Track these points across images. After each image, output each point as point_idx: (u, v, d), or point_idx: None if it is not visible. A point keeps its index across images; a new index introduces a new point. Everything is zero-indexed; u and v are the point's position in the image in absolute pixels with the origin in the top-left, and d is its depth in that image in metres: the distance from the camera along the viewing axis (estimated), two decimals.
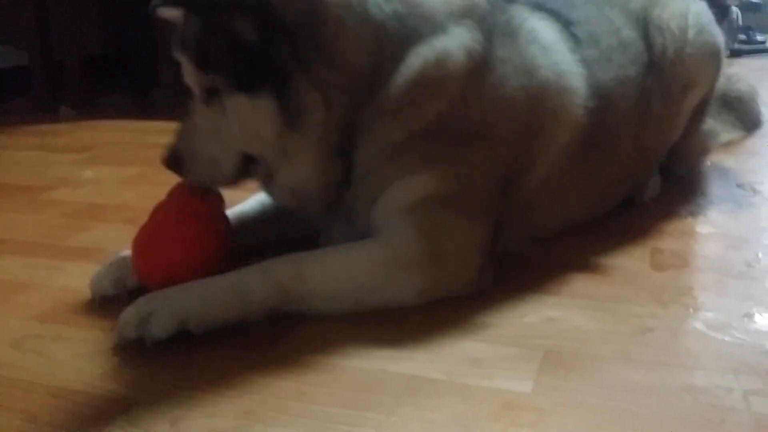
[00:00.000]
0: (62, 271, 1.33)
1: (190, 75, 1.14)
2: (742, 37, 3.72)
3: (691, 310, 1.11)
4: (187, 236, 1.15)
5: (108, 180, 1.98)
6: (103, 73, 3.38)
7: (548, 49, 1.28)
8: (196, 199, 1.18)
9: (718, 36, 1.65)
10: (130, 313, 1.04)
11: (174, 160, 1.18)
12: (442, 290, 1.14)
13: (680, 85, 1.55)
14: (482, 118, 1.17)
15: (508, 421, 0.85)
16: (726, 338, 1.02)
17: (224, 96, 1.11)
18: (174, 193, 1.20)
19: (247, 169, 1.18)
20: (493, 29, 1.21)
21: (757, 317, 1.08)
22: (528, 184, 1.27)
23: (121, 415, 0.88)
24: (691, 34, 1.55)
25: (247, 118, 1.11)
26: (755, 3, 3.73)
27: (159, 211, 1.18)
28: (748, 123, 2.14)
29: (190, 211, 1.17)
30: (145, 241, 1.15)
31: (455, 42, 1.14)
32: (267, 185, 1.23)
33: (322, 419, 0.86)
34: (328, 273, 1.12)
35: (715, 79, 1.68)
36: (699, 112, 1.67)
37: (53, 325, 1.12)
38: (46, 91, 3.16)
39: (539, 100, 1.24)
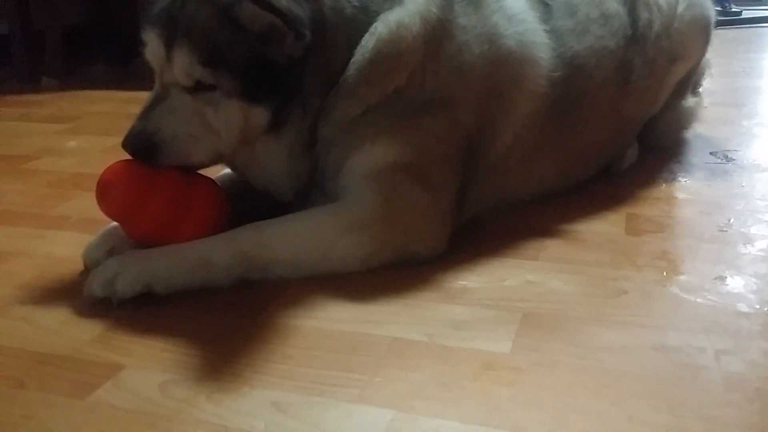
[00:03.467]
0: (47, 240, 1.34)
1: (182, 67, 1.10)
2: (718, 8, 3.72)
3: (665, 273, 1.14)
4: (201, 204, 1.16)
5: (91, 150, 1.98)
6: (85, 43, 3.34)
7: (513, 18, 1.28)
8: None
9: (709, 10, 1.65)
10: (99, 272, 1.07)
11: (143, 146, 1.13)
12: (391, 255, 1.15)
13: (666, 58, 1.55)
14: (441, 87, 1.19)
15: (487, 380, 0.88)
16: (698, 300, 1.05)
17: (219, 96, 1.11)
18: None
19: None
20: None
21: (729, 280, 1.11)
22: (494, 151, 1.29)
23: (109, 379, 0.90)
24: (680, 9, 1.55)
25: (237, 122, 1.12)
26: None
27: (159, 179, 1.14)
28: None
29: (194, 180, 1.18)
30: (160, 215, 1.13)
31: (410, 11, 1.16)
32: (236, 171, 1.27)
33: (308, 381, 0.88)
34: (288, 239, 1.14)
35: (702, 53, 1.69)
36: (683, 86, 1.68)
37: (39, 293, 1.13)
38: (26, 61, 3.11)
39: (499, 68, 1.25)
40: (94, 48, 3.37)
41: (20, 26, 3.09)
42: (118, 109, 2.47)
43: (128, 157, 1.15)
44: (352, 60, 1.14)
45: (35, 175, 1.76)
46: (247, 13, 1.06)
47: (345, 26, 1.14)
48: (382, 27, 1.14)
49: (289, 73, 1.11)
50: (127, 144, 1.14)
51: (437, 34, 1.18)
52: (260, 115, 1.12)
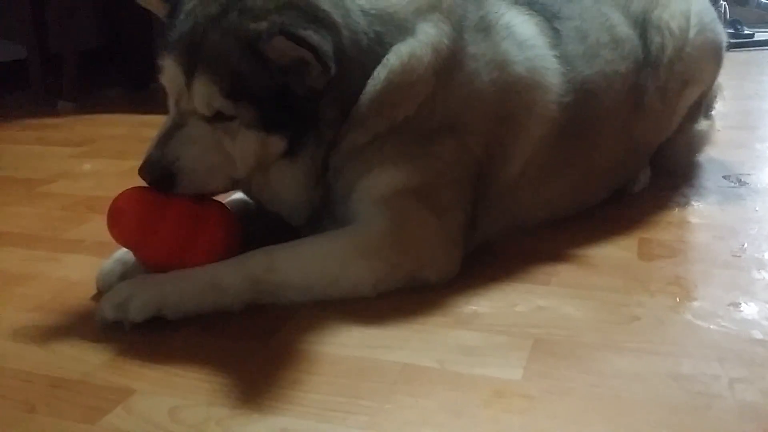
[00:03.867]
0: (61, 263, 1.35)
1: (203, 96, 1.09)
2: (730, 30, 3.73)
3: (678, 299, 1.13)
4: (215, 231, 1.17)
5: (106, 173, 2.00)
6: (101, 67, 3.38)
7: (523, 44, 1.29)
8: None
9: (720, 34, 1.65)
10: (110, 296, 1.08)
11: (161, 175, 1.13)
12: (402, 280, 1.16)
13: (679, 82, 1.55)
14: (450, 114, 1.20)
15: (499, 407, 0.87)
16: (712, 327, 1.04)
17: (238, 125, 1.11)
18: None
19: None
20: (463, 23, 1.22)
21: (743, 306, 1.10)
22: (505, 175, 1.29)
23: (120, 404, 0.90)
24: (692, 33, 1.55)
25: (253, 150, 1.13)
26: None
27: (169, 206, 1.14)
28: None
29: (205, 205, 1.18)
30: (170, 242, 1.14)
31: (422, 42, 1.16)
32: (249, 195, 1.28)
33: (318, 407, 0.88)
34: (299, 264, 1.14)
35: (715, 77, 1.68)
36: (695, 109, 1.68)
37: (52, 317, 1.14)
38: (43, 85, 3.15)
39: (510, 94, 1.25)
40: (110, 72, 3.41)
41: (38, 50, 3.14)
42: (132, 132, 2.49)
43: (141, 182, 1.16)
44: (363, 91, 1.14)
45: (50, 198, 1.78)
46: (277, 47, 1.05)
47: (361, 58, 1.14)
48: (394, 58, 1.15)
49: (307, 104, 1.11)
50: (145, 172, 1.14)
51: (448, 65, 1.18)
52: (277, 144, 1.13)
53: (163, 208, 1.14)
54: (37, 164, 2.15)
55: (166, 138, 1.13)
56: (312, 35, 1.04)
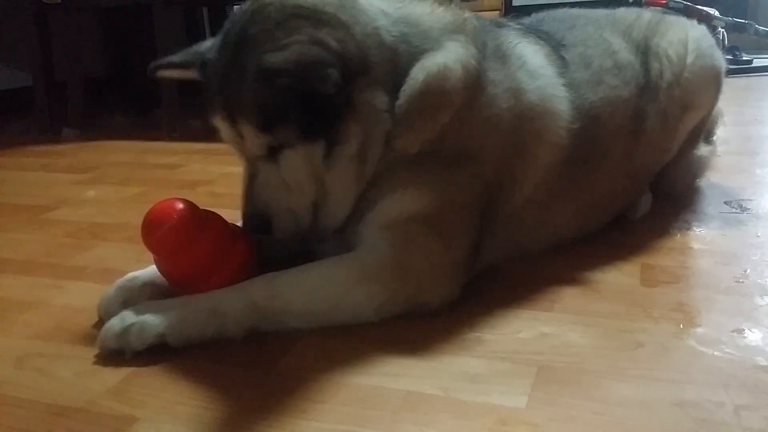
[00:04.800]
0: (64, 290, 1.35)
1: (251, 139, 1.14)
2: (729, 57, 3.77)
3: (682, 325, 1.13)
4: (237, 255, 1.20)
5: (110, 200, 2.01)
6: (105, 94, 3.42)
7: (535, 73, 1.31)
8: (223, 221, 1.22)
9: (719, 60, 1.67)
10: (112, 324, 1.08)
11: (260, 225, 1.18)
12: (404, 305, 1.15)
13: (678, 107, 1.57)
14: (471, 138, 1.21)
15: None
16: (716, 353, 1.04)
17: (286, 149, 1.13)
18: (186, 213, 1.18)
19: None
20: (484, 50, 1.25)
21: (747, 332, 1.09)
22: (512, 202, 1.30)
23: None
24: (689, 59, 1.57)
25: (311, 166, 1.14)
26: (741, 24, 3.76)
27: (207, 223, 1.19)
28: None
29: (231, 231, 1.22)
30: (203, 258, 1.17)
31: (452, 56, 1.19)
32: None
33: None
34: (300, 290, 1.14)
35: (714, 102, 1.70)
36: (695, 134, 1.69)
37: (55, 344, 1.14)
38: (48, 112, 3.18)
39: (523, 121, 1.27)
40: (114, 99, 3.44)
41: (43, 78, 3.18)
42: (136, 159, 2.51)
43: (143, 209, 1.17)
44: (402, 89, 1.17)
45: (54, 224, 1.79)
46: (273, 70, 1.07)
47: (385, 51, 1.16)
48: (429, 63, 1.18)
49: (336, 100, 1.11)
50: (249, 225, 1.19)
51: (474, 83, 1.21)
52: (319, 148, 1.13)
53: (202, 223, 1.18)
54: (41, 191, 2.16)
55: (250, 190, 1.18)
56: (290, 56, 1.06)
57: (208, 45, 1.22)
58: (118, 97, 3.49)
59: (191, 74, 1.24)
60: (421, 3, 1.26)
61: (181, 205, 1.18)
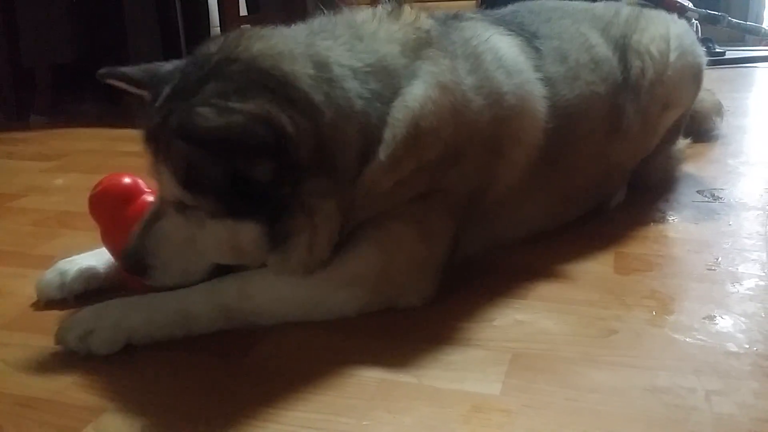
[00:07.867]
0: (30, 279, 1.31)
1: (168, 186, 1.05)
2: (702, 49, 3.82)
3: (654, 312, 1.13)
4: None
5: (78, 188, 1.95)
6: (74, 81, 3.35)
7: (512, 70, 1.27)
8: None
9: (700, 56, 1.66)
10: (73, 325, 1.03)
11: (136, 266, 1.09)
12: (384, 304, 1.14)
13: (659, 105, 1.56)
14: (457, 145, 1.17)
15: (477, 422, 0.87)
16: (688, 340, 1.05)
17: (204, 216, 1.04)
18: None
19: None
20: (455, 53, 1.21)
21: (718, 319, 1.10)
22: (488, 199, 1.28)
23: (90, 423, 0.88)
24: (672, 57, 1.56)
25: (229, 238, 1.05)
26: (714, 15, 3.78)
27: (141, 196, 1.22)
28: (696, 134, 2.11)
29: None
30: None
31: (429, 80, 1.12)
32: None
33: (295, 424, 0.87)
34: (274, 291, 1.10)
35: (694, 98, 1.70)
36: (673, 131, 1.69)
37: (20, 334, 1.12)
38: (15, 99, 3.12)
39: (503, 123, 1.24)
40: (83, 86, 3.38)
41: (10, 64, 3.11)
42: (106, 147, 2.46)
43: None
44: (384, 136, 1.08)
45: (21, 213, 1.75)
46: (195, 132, 0.97)
47: (356, 127, 1.07)
48: (409, 100, 1.10)
49: (276, 188, 1.01)
50: (123, 263, 1.12)
51: (458, 103, 1.15)
52: (251, 229, 1.03)
53: (139, 193, 1.22)
54: (8, 179, 2.11)
55: (147, 227, 1.10)
56: (221, 123, 0.95)
57: (168, 69, 1.13)
58: (89, 85, 3.43)
59: (142, 92, 1.15)
60: (379, 29, 1.17)
61: (119, 177, 1.23)
